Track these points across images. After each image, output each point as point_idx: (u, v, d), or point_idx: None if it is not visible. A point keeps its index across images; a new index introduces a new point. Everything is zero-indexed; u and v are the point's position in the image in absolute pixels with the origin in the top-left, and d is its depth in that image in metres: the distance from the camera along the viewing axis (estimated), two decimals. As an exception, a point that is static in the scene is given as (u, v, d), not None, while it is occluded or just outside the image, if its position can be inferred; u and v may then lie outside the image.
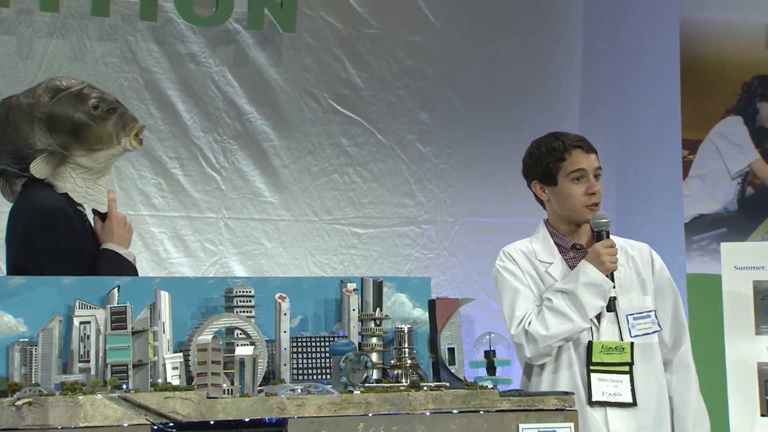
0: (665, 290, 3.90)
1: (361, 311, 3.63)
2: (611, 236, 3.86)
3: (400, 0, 6.05)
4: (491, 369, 3.60)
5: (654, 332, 3.81)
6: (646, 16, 6.29)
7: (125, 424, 2.95)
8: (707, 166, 6.13)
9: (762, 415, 4.96)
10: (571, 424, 3.37)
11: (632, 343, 3.77)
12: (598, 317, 3.79)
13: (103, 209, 3.84)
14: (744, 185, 6.14)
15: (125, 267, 3.74)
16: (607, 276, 3.76)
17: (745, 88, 6.17)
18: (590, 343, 3.78)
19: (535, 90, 6.28)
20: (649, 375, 3.80)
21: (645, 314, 3.82)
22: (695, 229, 6.07)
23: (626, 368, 3.75)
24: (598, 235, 3.82)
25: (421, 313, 3.74)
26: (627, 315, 3.80)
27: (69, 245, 3.74)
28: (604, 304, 3.77)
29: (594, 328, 3.79)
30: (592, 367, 3.76)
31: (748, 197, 6.13)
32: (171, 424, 2.99)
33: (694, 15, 6.14)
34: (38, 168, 3.81)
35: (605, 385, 3.75)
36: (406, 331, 3.52)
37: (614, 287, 3.78)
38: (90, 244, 3.79)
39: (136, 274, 3.78)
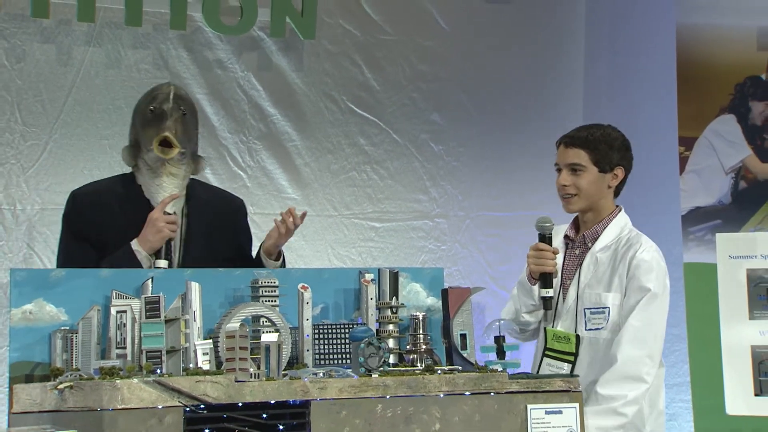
0: (631, 293, 3.68)
1: (379, 300, 3.64)
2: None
3: (414, 8, 6.03)
4: (501, 353, 3.60)
5: (599, 329, 3.68)
6: (644, 23, 6.27)
7: (159, 406, 2.96)
8: (703, 161, 6.10)
9: (756, 395, 4.95)
10: (576, 405, 3.36)
11: (578, 336, 3.69)
12: (555, 307, 3.77)
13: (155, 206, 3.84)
14: (737, 179, 6.12)
15: (124, 265, 3.67)
16: (535, 276, 3.74)
17: (738, 88, 6.14)
18: (545, 330, 3.78)
19: (540, 91, 6.26)
20: (593, 369, 3.67)
21: (600, 310, 3.70)
22: (691, 220, 6.05)
23: (571, 358, 3.70)
24: (540, 237, 3.78)
25: (435, 302, 3.75)
26: (585, 308, 3.72)
27: (72, 229, 3.82)
28: (532, 302, 3.77)
29: (554, 317, 3.77)
30: (546, 352, 3.77)
31: (741, 191, 6.10)
32: (202, 406, 3.00)
33: (689, 20, 6.11)
34: (123, 155, 3.94)
35: (549, 370, 3.73)
36: (420, 319, 3.53)
37: (545, 287, 3.72)
38: (116, 235, 3.78)
39: None
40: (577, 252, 3.81)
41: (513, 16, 6.23)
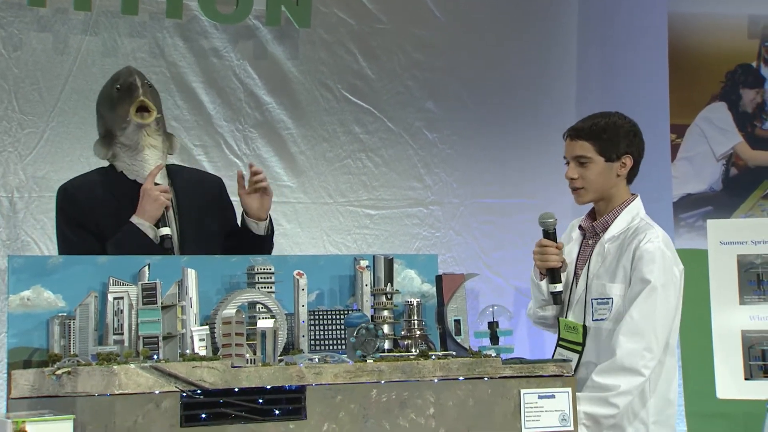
0: (633, 284, 3.61)
1: (374, 286, 3.63)
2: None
3: (408, -3, 6.03)
4: (494, 339, 3.60)
5: (603, 319, 3.62)
6: (636, 12, 6.26)
7: (156, 392, 2.95)
8: (694, 148, 6.10)
9: (746, 379, 4.96)
10: (569, 389, 3.35)
11: (584, 326, 3.64)
12: (568, 298, 3.75)
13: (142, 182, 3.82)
14: (728, 166, 6.12)
15: (131, 240, 3.69)
16: (543, 272, 3.71)
17: (729, 76, 6.14)
18: (557, 320, 3.76)
19: (533, 80, 6.25)
20: (597, 359, 3.60)
21: (604, 301, 3.64)
22: (683, 207, 6.05)
23: (579, 348, 3.65)
24: (544, 233, 3.74)
25: (429, 288, 3.74)
26: (592, 299, 3.66)
27: (69, 220, 3.80)
28: (542, 297, 3.74)
29: (567, 308, 3.74)
30: (560, 342, 3.73)
31: (732, 177, 6.11)
32: (198, 392, 3.00)
33: (680, 9, 6.11)
34: (96, 150, 3.91)
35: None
36: (415, 305, 3.52)
37: (553, 282, 3.69)
38: (113, 221, 3.77)
39: (145, 249, 3.67)
40: (590, 242, 3.75)
41: (506, 5, 6.21)
